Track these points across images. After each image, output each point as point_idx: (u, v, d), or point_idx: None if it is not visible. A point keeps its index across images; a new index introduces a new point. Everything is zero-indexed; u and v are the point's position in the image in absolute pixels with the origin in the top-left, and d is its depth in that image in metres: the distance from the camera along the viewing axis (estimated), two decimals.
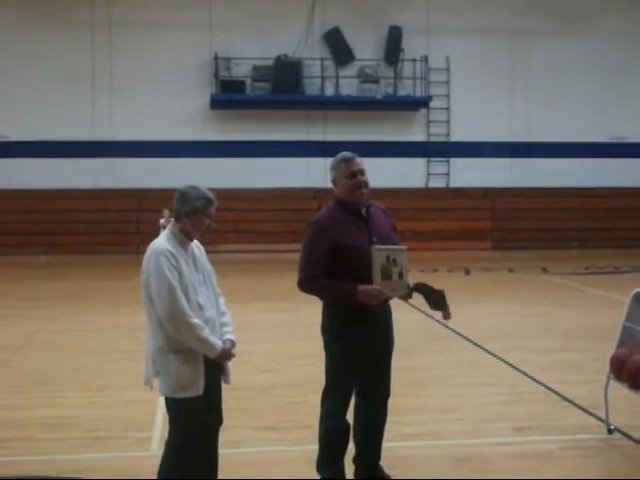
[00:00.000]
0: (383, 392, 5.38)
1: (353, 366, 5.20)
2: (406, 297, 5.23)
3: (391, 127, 23.70)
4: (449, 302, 5.19)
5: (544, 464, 5.87)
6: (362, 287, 4.96)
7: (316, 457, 5.33)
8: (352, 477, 5.42)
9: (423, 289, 5.22)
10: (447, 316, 5.26)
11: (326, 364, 5.27)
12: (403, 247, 5.17)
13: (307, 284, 5.13)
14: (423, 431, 6.71)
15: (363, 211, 5.22)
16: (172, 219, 4.80)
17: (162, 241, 4.66)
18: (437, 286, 5.22)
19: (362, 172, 5.19)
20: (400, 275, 5.09)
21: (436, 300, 5.22)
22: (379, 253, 5.02)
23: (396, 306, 5.38)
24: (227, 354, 4.74)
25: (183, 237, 4.70)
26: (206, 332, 4.57)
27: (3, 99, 22.08)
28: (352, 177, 5.16)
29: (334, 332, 5.19)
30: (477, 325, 11.67)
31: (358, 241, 5.08)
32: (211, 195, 4.73)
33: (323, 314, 5.26)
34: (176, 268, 4.54)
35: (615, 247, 23.39)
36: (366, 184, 5.19)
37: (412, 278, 5.26)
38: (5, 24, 22.11)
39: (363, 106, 23.41)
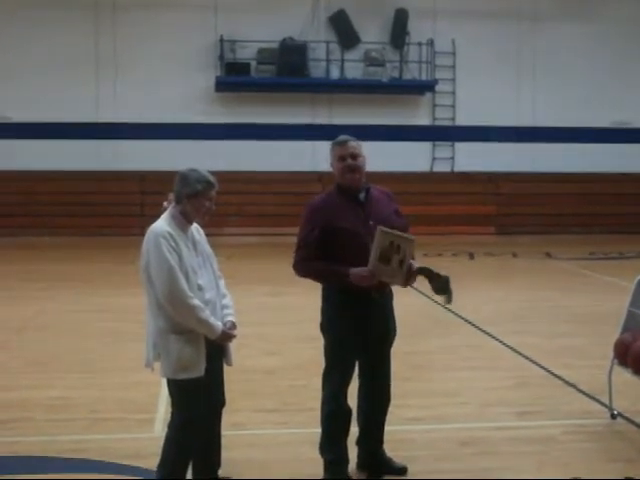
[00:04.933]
0: (384, 377, 5.36)
1: (350, 350, 5.19)
2: (410, 282, 5.14)
3: (396, 111, 23.59)
4: (453, 288, 5.16)
5: (547, 448, 5.87)
6: (354, 269, 4.91)
7: (319, 440, 5.32)
8: (355, 459, 5.42)
9: (428, 273, 5.16)
10: (448, 301, 5.22)
11: (324, 347, 5.27)
12: (411, 237, 5.00)
13: (300, 267, 5.13)
14: (426, 415, 6.71)
15: (361, 195, 5.17)
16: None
17: (162, 223, 4.64)
18: (442, 271, 5.18)
19: (354, 156, 5.13)
20: (401, 264, 4.94)
21: (439, 285, 5.18)
22: (383, 235, 4.89)
23: (399, 290, 5.35)
24: (227, 335, 4.74)
25: (183, 220, 4.68)
26: (206, 313, 4.56)
27: (6, 80, 21.96)
28: (342, 160, 5.13)
29: (331, 315, 5.18)
30: (481, 309, 11.66)
31: (352, 225, 5.04)
32: (212, 178, 4.72)
33: (322, 297, 5.24)
34: (175, 250, 4.53)
35: (619, 232, 23.31)
36: (357, 168, 5.12)
37: (417, 263, 5.20)
38: (7, 3, 21.98)
39: (368, 89, 23.30)
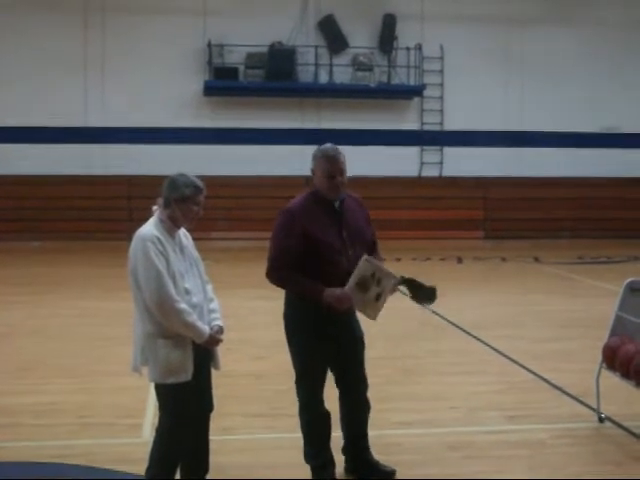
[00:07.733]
0: (359, 383, 5.31)
1: (317, 358, 5.12)
2: (391, 292, 5.11)
3: (384, 115, 23.62)
4: (438, 294, 5.16)
5: (535, 452, 5.87)
6: (330, 289, 4.87)
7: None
8: (343, 465, 5.41)
9: (414, 284, 5.13)
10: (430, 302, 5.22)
11: (291, 356, 5.20)
12: (395, 276, 5.00)
13: (274, 275, 5.04)
14: (415, 419, 6.70)
15: (337, 204, 5.12)
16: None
17: (149, 228, 4.64)
18: (429, 278, 5.19)
19: (342, 172, 5.05)
20: (377, 297, 4.93)
21: (425, 294, 5.15)
22: (367, 265, 4.89)
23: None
24: (215, 339, 4.73)
25: (171, 224, 4.68)
26: (193, 317, 4.55)
27: None
28: (331, 178, 5.03)
29: (296, 322, 5.12)
30: (469, 313, 11.67)
31: (327, 235, 5.00)
32: (200, 183, 4.72)
33: (285, 302, 5.19)
34: (163, 254, 4.52)
35: (607, 237, 23.37)
36: (344, 185, 5.07)
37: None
38: None
39: (357, 94, 23.27)
